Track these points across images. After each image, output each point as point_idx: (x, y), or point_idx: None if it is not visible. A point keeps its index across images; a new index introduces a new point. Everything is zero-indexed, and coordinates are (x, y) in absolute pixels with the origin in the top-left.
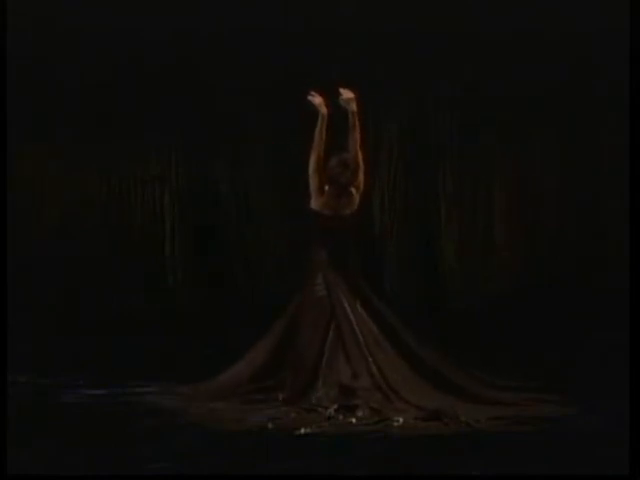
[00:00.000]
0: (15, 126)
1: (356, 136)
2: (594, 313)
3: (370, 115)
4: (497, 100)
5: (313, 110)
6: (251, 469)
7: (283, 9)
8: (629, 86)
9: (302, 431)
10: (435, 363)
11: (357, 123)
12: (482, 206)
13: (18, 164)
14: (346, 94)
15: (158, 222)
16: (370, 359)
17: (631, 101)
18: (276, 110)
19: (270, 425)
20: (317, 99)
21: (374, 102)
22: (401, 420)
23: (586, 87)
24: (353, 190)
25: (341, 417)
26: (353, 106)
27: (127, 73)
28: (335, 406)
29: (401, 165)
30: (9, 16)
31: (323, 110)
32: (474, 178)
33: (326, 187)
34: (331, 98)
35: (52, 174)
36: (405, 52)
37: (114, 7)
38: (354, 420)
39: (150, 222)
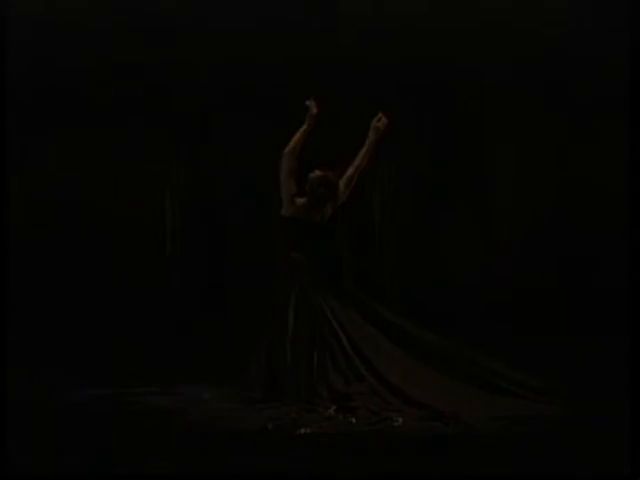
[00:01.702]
0: (15, 123)
1: (362, 163)
2: (594, 313)
3: (370, 114)
4: (497, 99)
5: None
6: (251, 469)
7: (283, 11)
8: (629, 86)
9: (302, 431)
10: (444, 354)
11: (369, 153)
12: (482, 206)
13: (18, 163)
14: (382, 121)
15: (159, 222)
16: (358, 362)
17: (631, 101)
18: (278, 110)
19: (270, 425)
20: (314, 109)
21: (374, 102)
22: (401, 420)
23: (586, 87)
24: (329, 205)
25: (341, 417)
26: (376, 136)
27: (128, 72)
28: (335, 406)
29: (401, 165)
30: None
31: (310, 121)
32: (474, 178)
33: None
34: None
35: (52, 173)
36: (405, 52)
37: (113, 7)
38: (354, 420)
39: (150, 222)
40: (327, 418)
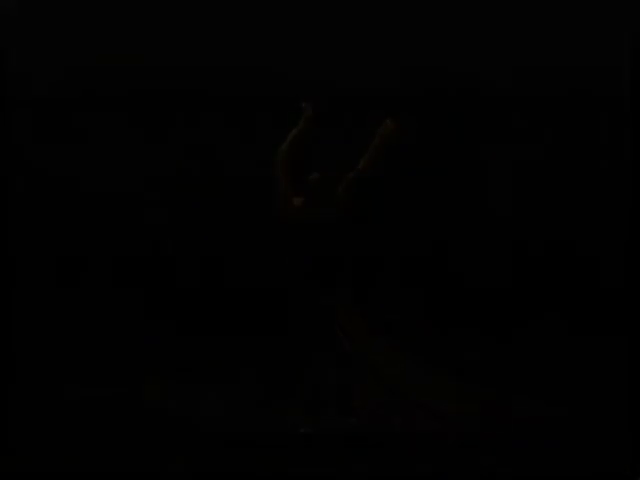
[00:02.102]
0: (17, 124)
1: (366, 168)
2: (594, 313)
3: (369, 114)
4: (497, 99)
5: (318, 112)
6: (251, 469)
7: (283, 11)
8: (629, 86)
9: (302, 431)
10: (444, 354)
11: (373, 158)
12: (482, 207)
13: (18, 162)
14: (389, 126)
15: (158, 221)
16: (358, 362)
17: (631, 101)
18: (278, 110)
19: (271, 425)
20: (309, 111)
21: (375, 103)
22: (401, 420)
23: (586, 89)
24: (328, 207)
25: (341, 417)
26: (380, 141)
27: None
28: (335, 407)
29: (402, 167)
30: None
31: (305, 122)
32: (474, 179)
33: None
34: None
35: (52, 172)
36: (405, 52)
37: (113, 12)
38: (354, 420)
39: (149, 221)
40: (327, 418)
